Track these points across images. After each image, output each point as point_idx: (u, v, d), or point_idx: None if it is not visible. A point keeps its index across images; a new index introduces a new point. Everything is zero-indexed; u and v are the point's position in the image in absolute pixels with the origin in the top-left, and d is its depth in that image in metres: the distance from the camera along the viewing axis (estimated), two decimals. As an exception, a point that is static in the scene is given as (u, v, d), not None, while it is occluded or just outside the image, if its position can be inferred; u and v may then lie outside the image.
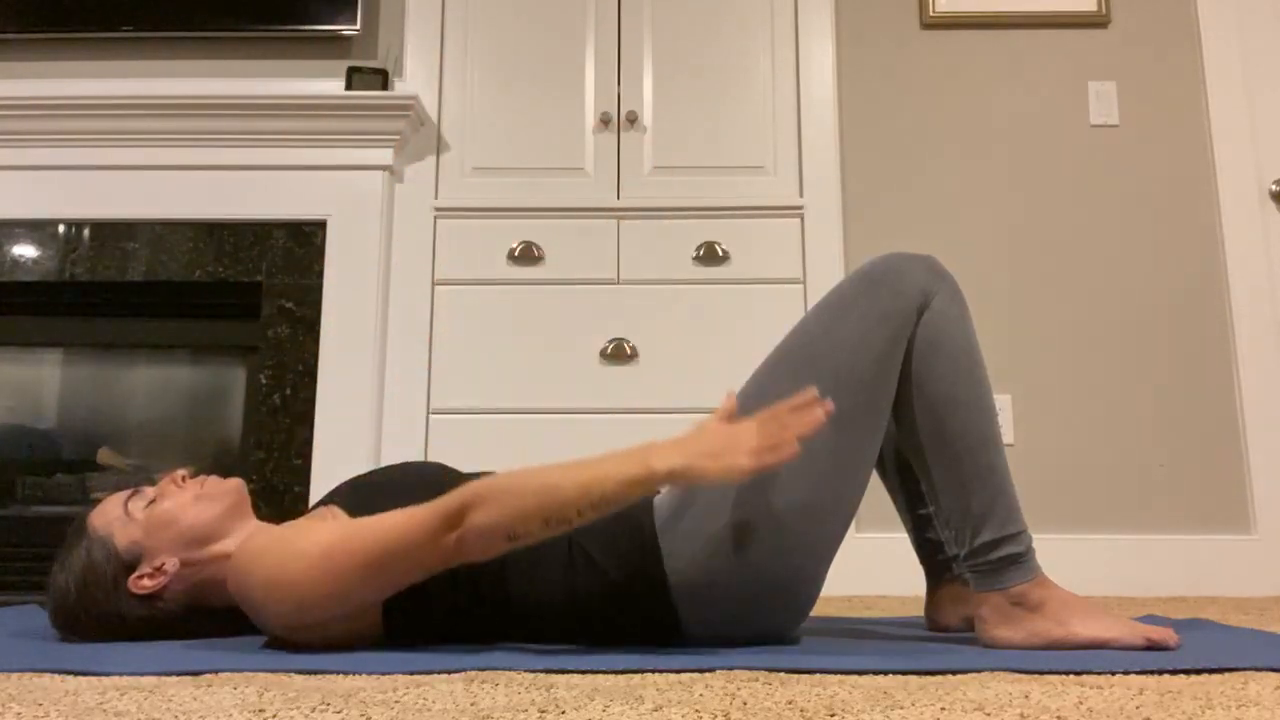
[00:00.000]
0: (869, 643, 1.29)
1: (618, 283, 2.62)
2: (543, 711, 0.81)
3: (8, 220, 2.60)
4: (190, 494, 1.27)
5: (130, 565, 1.23)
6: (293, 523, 1.21)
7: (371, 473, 1.31)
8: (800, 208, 2.66)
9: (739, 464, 1.07)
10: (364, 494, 1.25)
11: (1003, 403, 2.61)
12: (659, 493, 1.32)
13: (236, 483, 1.30)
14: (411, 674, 1.00)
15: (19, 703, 0.86)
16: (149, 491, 1.27)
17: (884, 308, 1.23)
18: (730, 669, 1.02)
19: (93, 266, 2.59)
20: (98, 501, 1.30)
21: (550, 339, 2.59)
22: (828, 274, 2.62)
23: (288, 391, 2.53)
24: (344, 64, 2.77)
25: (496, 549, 1.10)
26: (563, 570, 1.20)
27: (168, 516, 1.24)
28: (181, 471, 1.30)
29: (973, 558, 1.21)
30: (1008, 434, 2.59)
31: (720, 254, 2.62)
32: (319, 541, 1.11)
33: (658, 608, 1.19)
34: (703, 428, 1.12)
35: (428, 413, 2.56)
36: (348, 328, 2.56)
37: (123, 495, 1.28)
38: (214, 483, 1.29)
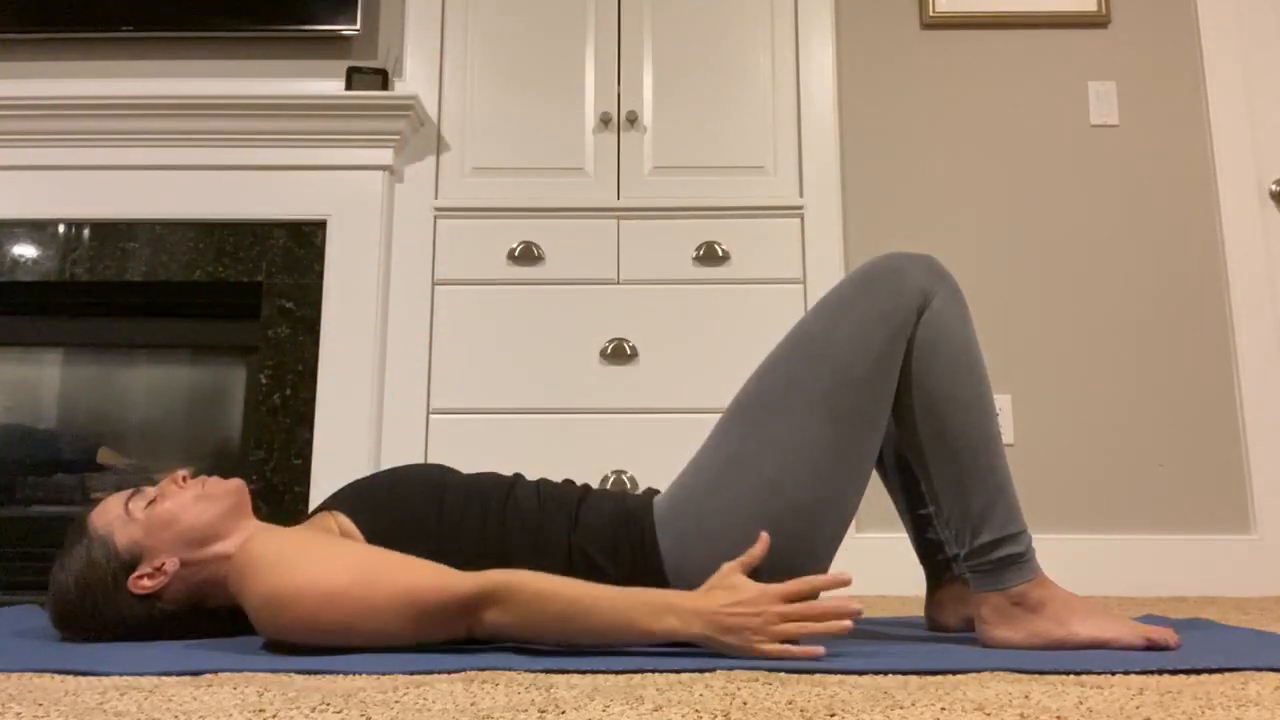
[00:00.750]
0: (869, 643, 1.29)
1: (618, 283, 2.62)
2: (543, 711, 0.81)
3: (8, 220, 2.60)
4: (191, 494, 1.27)
5: (130, 565, 1.23)
6: (304, 536, 1.17)
7: (373, 476, 1.31)
8: (800, 208, 2.66)
9: (760, 650, 1.07)
10: (366, 499, 1.25)
11: (1003, 403, 2.61)
12: (657, 493, 1.32)
13: (237, 483, 1.30)
14: (411, 674, 1.00)
15: (19, 703, 0.86)
16: (149, 491, 1.27)
17: (884, 307, 1.23)
18: (730, 669, 1.02)
19: (93, 266, 2.59)
20: (98, 501, 1.30)
21: (550, 339, 2.59)
22: (828, 274, 2.62)
23: (288, 391, 2.53)
24: (344, 64, 2.77)
25: (501, 640, 1.14)
26: (563, 571, 1.20)
27: (168, 516, 1.24)
28: (182, 471, 1.30)
29: (973, 558, 1.21)
30: (1008, 434, 2.59)
31: (720, 254, 2.62)
32: (331, 578, 1.09)
33: (658, 608, 1.19)
34: (730, 585, 1.10)
35: (428, 413, 2.56)
36: (348, 328, 2.56)
37: (123, 495, 1.28)
38: (215, 483, 1.29)
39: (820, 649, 1.07)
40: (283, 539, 1.15)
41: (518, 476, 1.33)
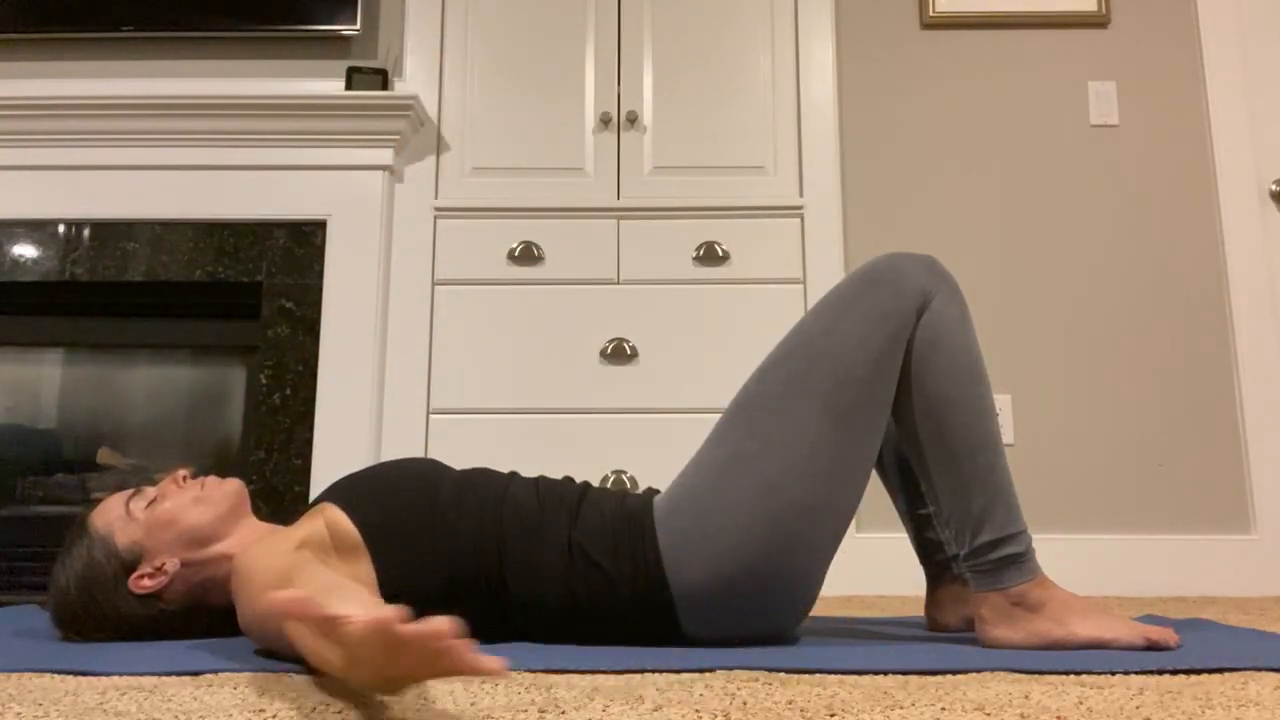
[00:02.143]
0: (869, 643, 1.29)
1: (618, 283, 2.62)
2: (543, 711, 0.81)
3: (8, 220, 2.60)
4: (190, 495, 1.27)
5: (131, 565, 1.23)
6: (278, 558, 1.12)
7: (369, 469, 1.31)
8: (800, 208, 2.66)
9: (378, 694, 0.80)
10: (361, 493, 1.25)
11: (1003, 403, 2.61)
12: (658, 492, 1.32)
13: (236, 484, 1.30)
14: (411, 674, 1.00)
15: (19, 703, 0.86)
16: (150, 491, 1.28)
17: (884, 308, 1.23)
18: (730, 669, 1.02)
19: (93, 266, 2.59)
20: (98, 501, 1.30)
21: (550, 339, 2.59)
22: (828, 274, 2.62)
23: (288, 391, 2.53)
24: (344, 64, 2.77)
25: None
26: (562, 570, 1.20)
27: (168, 517, 1.24)
28: (182, 471, 1.30)
29: (973, 558, 1.21)
30: (1008, 434, 2.59)
31: (720, 254, 2.62)
32: (267, 578, 1.07)
33: (657, 607, 1.19)
34: (359, 656, 0.72)
35: (428, 413, 2.56)
36: (348, 328, 2.56)
37: (124, 495, 1.28)
38: (213, 484, 1.29)
39: (498, 662, 0.67)
40: (261, 559, 1.13)
41: (514, 474, 1.33)
